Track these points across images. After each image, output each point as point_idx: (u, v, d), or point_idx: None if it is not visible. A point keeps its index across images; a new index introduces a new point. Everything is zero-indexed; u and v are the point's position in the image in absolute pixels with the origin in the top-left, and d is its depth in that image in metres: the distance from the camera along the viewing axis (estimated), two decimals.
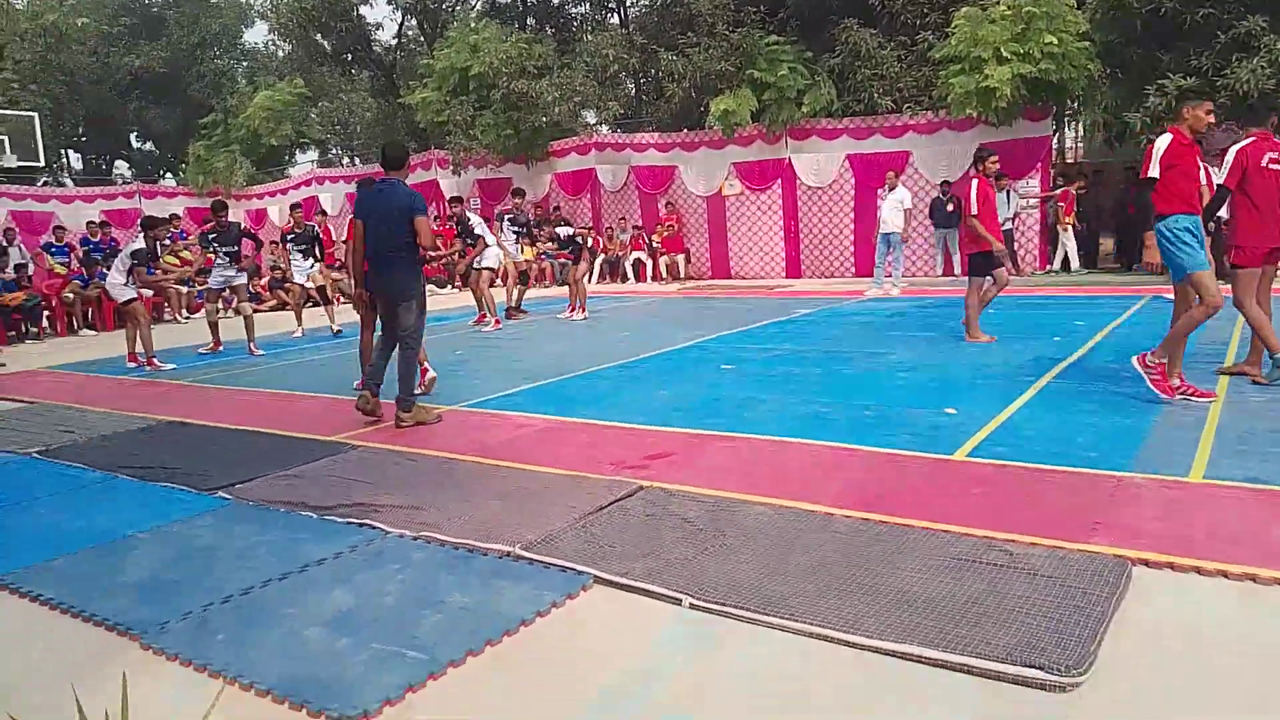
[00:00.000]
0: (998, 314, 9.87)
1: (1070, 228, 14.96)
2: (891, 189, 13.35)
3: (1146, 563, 3.12)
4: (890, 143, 16.11)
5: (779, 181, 17.27)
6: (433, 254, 14.02)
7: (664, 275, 18.10)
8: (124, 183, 27.00)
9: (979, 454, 4.55)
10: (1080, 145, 20.07)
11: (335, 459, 5.20)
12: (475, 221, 11.22)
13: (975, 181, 8.02)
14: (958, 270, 15.61)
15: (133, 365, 9.85)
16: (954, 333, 8.86)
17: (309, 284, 12.53)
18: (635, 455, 4.90)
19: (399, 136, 25.28)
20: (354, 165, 28.67)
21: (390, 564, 3.55)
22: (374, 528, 3.97)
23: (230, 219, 11.01)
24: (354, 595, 3.26)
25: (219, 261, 10.69)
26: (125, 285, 10.05)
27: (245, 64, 28.03)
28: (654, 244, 18.36)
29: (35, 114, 18.28)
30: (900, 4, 15.49)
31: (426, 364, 7.44)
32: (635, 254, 18.64)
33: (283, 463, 5.15)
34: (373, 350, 6.21)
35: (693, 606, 3.01)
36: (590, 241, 12.66)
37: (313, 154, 28.38)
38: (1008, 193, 14.83)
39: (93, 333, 14.44)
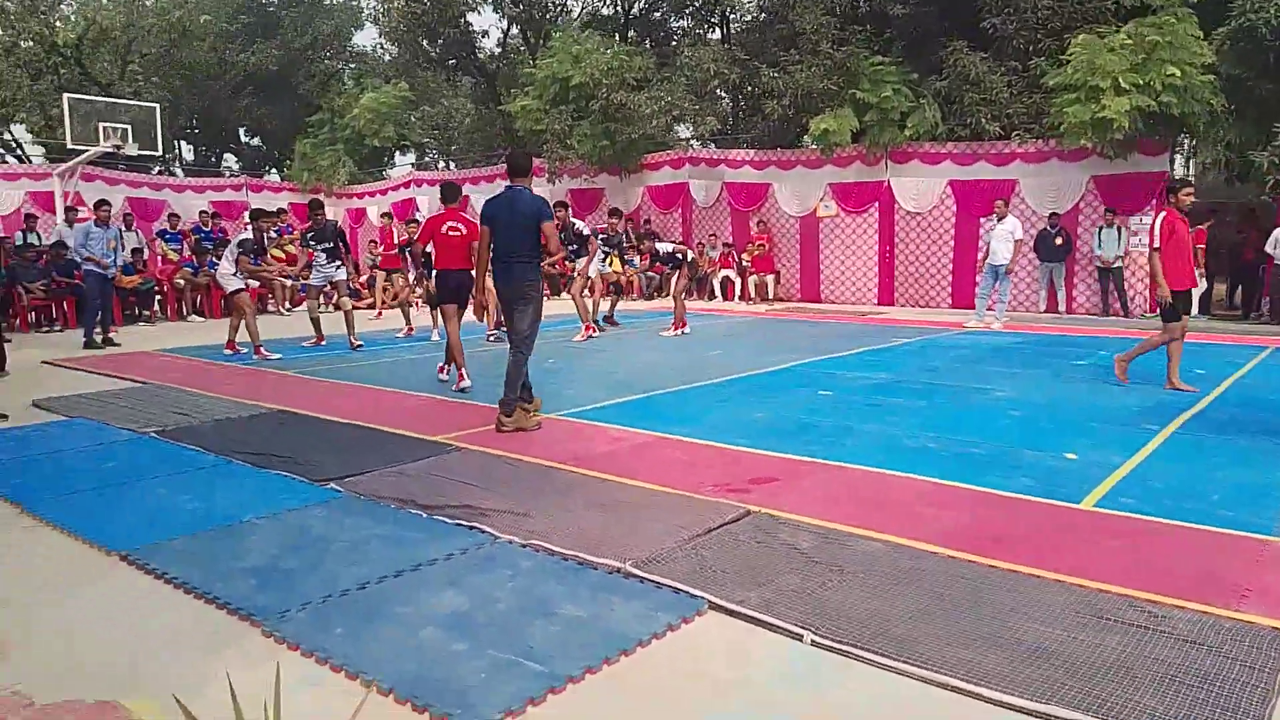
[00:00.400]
0: (1109, 357, 9.49)
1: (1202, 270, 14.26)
2: (1001, 218, 12.89)
3: None
4: (995, 170, 15.68)
5: (876, 205, 16.97)
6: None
7: (752, 295, 17.95)
8: (231, 175, 28.14)
9: (1106, 504, 4.33)
10: (1192, 181, 19.28)
11: (439, 459, 5.25)
12: (580, 226, 11.33)
13: (1161, 214, 7.28)
14: (1062, 307, 15.12)
15: (229, 353, 10.16)
16: (1061, 371, 8.55)
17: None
18: (737, 478, 4.83)
19: (497, 143, 25.79)
20: (449, 169, 29.39)
21: (501, 569, 3.54)
22: (482, 531, 3.98)
23: (327, 218, 11.28)
24: (467, 598, 3.26)
25: (318, 259, 10.99)
26: (233, 275, 10.41)
27: (353, 66, 28.90)
28: (744, 262, 18.24)
29: (157, 105, 19.12)
30: (1013, 29, 15.10)
31: (464, 370, 7.63)
32: (724, 272, 18.55)
33: (390, 459, 5.23)
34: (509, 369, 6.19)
35: (814, 643, 2.92)
36: (693, 257, 12.56)
37: (411, 156, 29.13)
38: (1118, 229, 14.32)
39: (201, 319, 15.02)
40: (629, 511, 4.21)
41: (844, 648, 2.85)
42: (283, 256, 16.65)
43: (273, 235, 18.41)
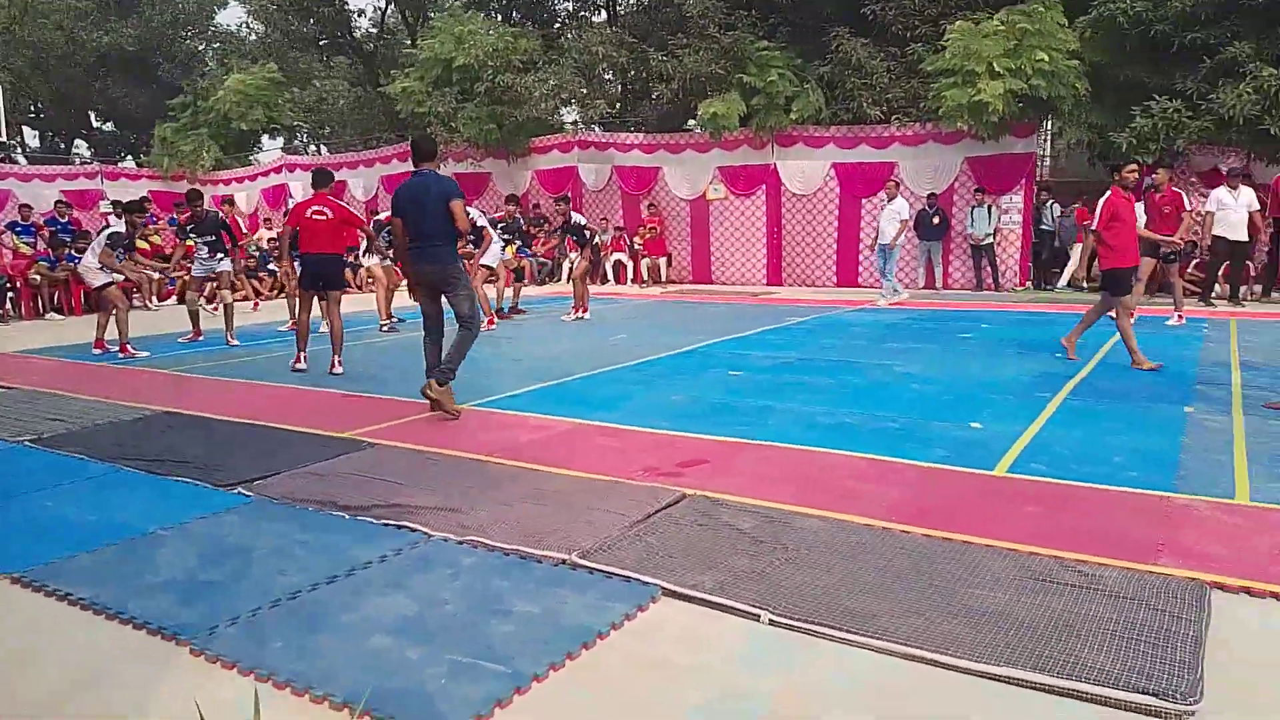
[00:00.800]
0: (991, 330, 9.97)
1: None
2: (891, 198, 13.33)
3: (1222, 586, 3.11)
4: (876, 153, 16.18)
5: (764, 187, 17.26)
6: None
7: (645, 278, 18.01)
8: (83, 163, 26.23)
9: (1019, 470, 4.53)
10: (1053, 161, 20.40)
11: (353, 456, 5.03)
12: (474, 215, 10.84)
13: (1106, 194, 7.39)
14: (939, 283, 15.76)
15: (99, 352, 9.51)
16: (951, 345, 8.91)
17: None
18: (666, 461, 4.81)
19: (376, 126, 24.92)
20: (319, 154, 28.19)
21: (441, 568, 3.41)
22: (414, 530, 3.82)
23: (207, 208, 10.67)
24: (412, 601, 3.12)
25: (200, 252, 10.39)
26: (98, 269, 9.73)
27: (217, 46, 27.35)
28: (635, 246, 18.26)
29: None
30: (891, 15, 15.58)
31: (339, 358, 7.85)
32: (616, 255, 18.53)
33: (299, 459, 4.97)
34: (426, 353, 6.23)
35: (772, 622, 2.92)
36: (598, 241, 12.45)
37: (281, 140, 27.83)
38: (989, 208, 15.01)
39: (60, 316, 13.95)
40: (564, 501, 4.13)
41: (803, 625, 2.87)
42: (147, 248, 15.65)
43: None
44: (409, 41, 22.15)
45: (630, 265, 18.33)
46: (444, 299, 6.13)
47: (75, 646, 2.92)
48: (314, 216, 7.76)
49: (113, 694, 2.61)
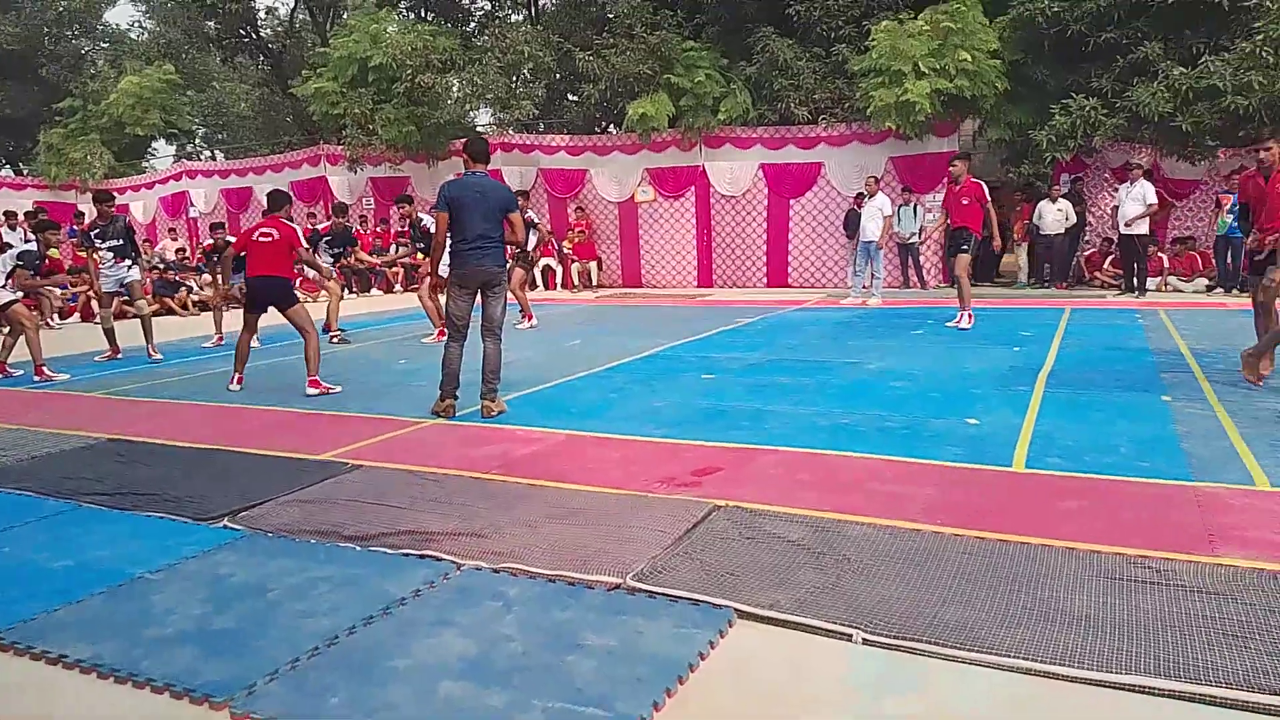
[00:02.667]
0: (938, 325, 10.07)
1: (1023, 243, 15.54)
2: (871, 195, 13.19)
3: None
4: (803, 153, 16.32)
5: (693, 189, 17.20)
6: (378, 259, 13.00)
7: (575, 282, 17.73)
8: None
9: (1037, 465, 4.50)
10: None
11: (340, 480, 4.65)
12: (428, 222, 10.25)
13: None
14: (867, 281, 15.98)
15: (1, 377, 8.73)
16: (910, 341, 8.98)
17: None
18: (679, 471, 4.61)
19: (284, 129, 23.92)
20: (215, 159, 26.85)
21: (486, 600, 3.13)
22: (440, 559, 3.52)
23: (113, 211, 9.92)
24: (469, 640, 2.84)
25: (105, 260, 9.63)
26: (3, 288, 8.92)
27: (106, 45, 25.73)
28: (564, 250, 17.95)
29: None
30: (816, 16, 15.73)
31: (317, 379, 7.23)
32: (545, 260, 18.16)
33: (280, 485, 4.56)
34: (450, 360, 6.16)
35: (865, 641, 2.76)
36: (541, 245, 12.18)
37: (173, 147, 26.42)
38: (915, 207, 15.30)
39: None
40: (592, 519, 3.89)
41: (904, 643, 2.72)
42: (45, 262, 14.52)
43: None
44: (318, 41, 21.28)
45: (560, 270, 18.03)
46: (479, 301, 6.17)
47: (89, 717, 2.54)
48: (260, 239, 7.43)
49: None
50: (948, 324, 9.63)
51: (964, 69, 13.61)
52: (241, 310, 7.79)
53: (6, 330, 9.30)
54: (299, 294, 7.96)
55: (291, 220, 7.96)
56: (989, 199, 9.74)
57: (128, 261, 9.73)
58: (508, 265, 6.25)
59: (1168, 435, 5.00)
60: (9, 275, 8.88)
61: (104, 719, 2.53)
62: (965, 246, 9.64)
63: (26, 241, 15.53)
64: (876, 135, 15.35)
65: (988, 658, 2.60)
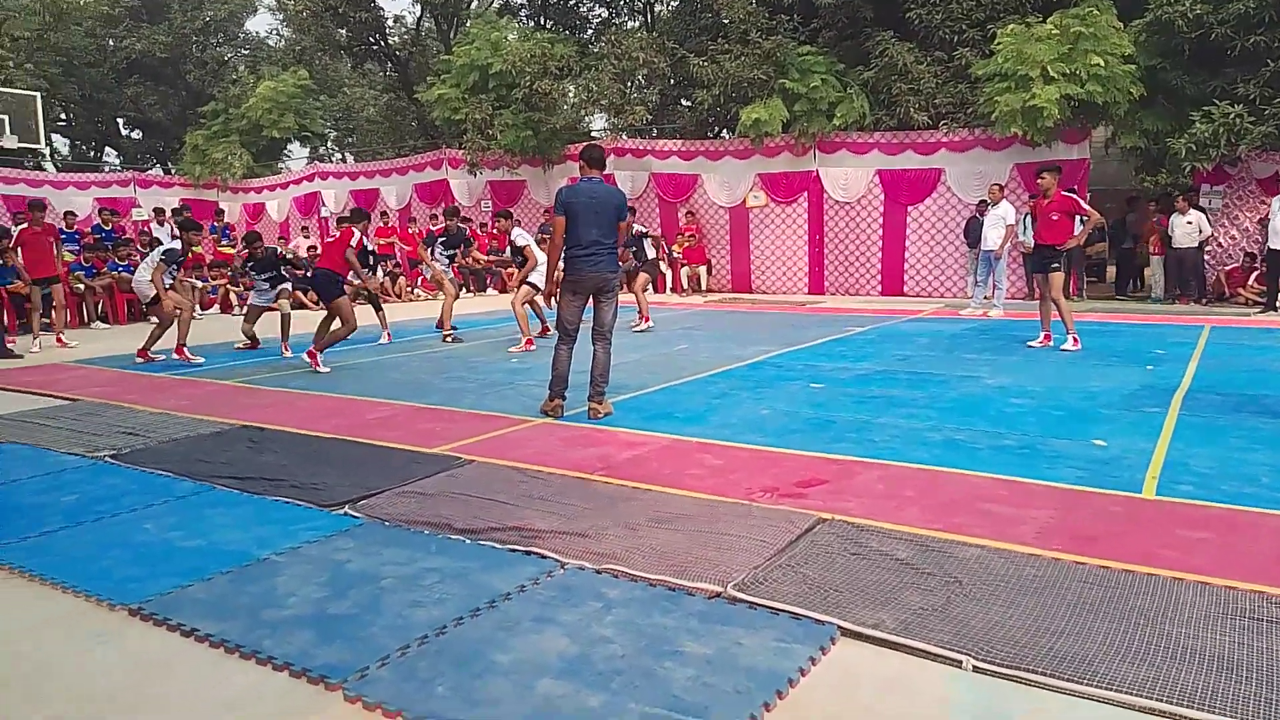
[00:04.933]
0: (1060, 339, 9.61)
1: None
2: (995, 204, 12.72)
3: None
4: (922, 159, 15.92)
5: (805, 195, 17.02)
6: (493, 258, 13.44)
7: (685, 287, 17.77)
8: (111, 170, 26.21)
9: (1168, 492, 4.25)
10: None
11: (453, 474, 4.79)
12: (518, 234, 10.52)
13: None
14: (988, 292, 15.41)
15: (141, 361, 9.40)
16: (1029, 356, 8.63)
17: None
18: (782, 481, 4.56)
19: (408, 133, 24.83)
20: (344, 161, 28.06)
21: (588, 601, 3.16)
22: (544, 556, 3.58)
23: (265, 246, 10.67)
24: (569, 639, 2.88)
25: (259, 285, 10.36)
26: (149, 282, 9.64)
27: (246, 52, 27.31)
28: (674, 254, 18.01)
29: (37, 94, 17.55)
30: (939, 20, 15.32)
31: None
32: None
33: (396, 476, 4.74)
34: (559, 361, 6.26)
35: (976, 669, 2.66)
36: (659, 250, 12.47)
37: (307, 150, 27.77)
38: (1025, 216, 14.64)
39: (105, 325, 13.79)
40: (693, 525, 3.88)
41: (1015, 673, 2.61)
42: (188, 258, 15.50)
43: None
44: (442, 49, 22.01)
45: (669, 274, 18.09)
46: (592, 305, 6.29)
47: (213, 689, 2.69)
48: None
49: None
50: (1061, 348, 8.89)
51: (1095, 74, 13.02)
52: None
53: (155, 321, 9.99)
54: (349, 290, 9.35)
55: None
56: (1086, 207, 9.13)
57: (281, 285, 10.35)
58: (622, 270, 6.25)
59: None
60: (154, 271, 9.55)
61: (228, 691, 2.67)
62: (1056, 265, 9.00)
63: (174, 238, 16.70)
64: (1001, 141, 14.84)
65: (1106, 693, 2.47)
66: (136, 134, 31.19)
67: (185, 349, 9.37)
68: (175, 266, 9.96)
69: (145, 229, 17.09)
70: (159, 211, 17.53)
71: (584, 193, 6.09)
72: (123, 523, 4.16)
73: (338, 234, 9.02)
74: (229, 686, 2.71)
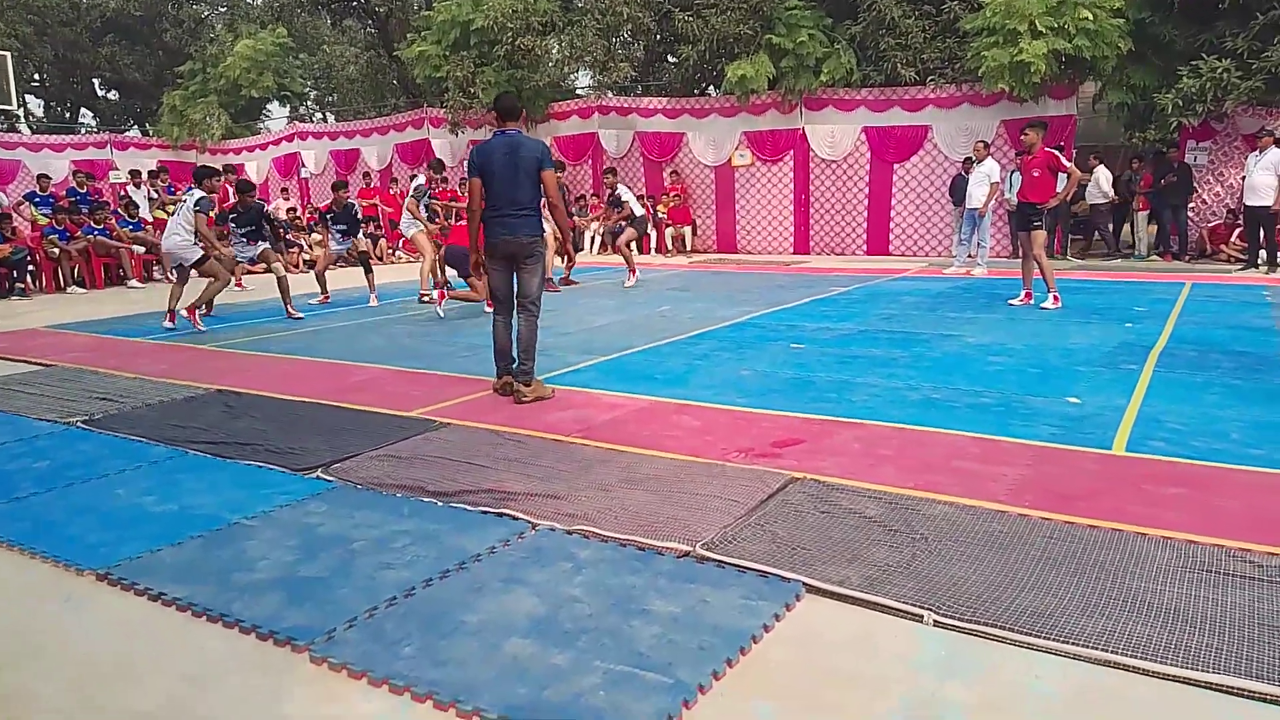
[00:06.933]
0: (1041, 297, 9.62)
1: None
2: (979, 161, 12.53)
3: None
4: (909, 116, 15.78)
5: (791, 153, 16.88)
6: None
7: (669, 247, 17.68)
8: (88, 132, 25.76)
9: (1138, 448, 4.28)
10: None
11: (428, 437, 4.79)
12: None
13: None
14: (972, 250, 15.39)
15: (170, 325, 9.06)
16: (1011, 314, 8.64)
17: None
18: (758, 441, 4.57)
19: (389, 92, 24.46)
20: (325, 121, 27.59)
21: (558, 561, 3.18)
22: (516, 518, 3.59)
23: (253, 200, 10.41)
24: (538, 599, 2.89)
25: (236, 241, 10.12)
26: (194, 244, 9.01)
27: (223, 10, 26.75)
28: (659, 214, 17.88)
29: (8, 54, 17.19)
30: None
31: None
32: None
33: (371, 439, 4.73)
34: (496, 335, 5.77)
35: (936, 623, 2.69)
36: (641, 212, 12.79)
37: (287, 108, 27.33)
38: (1012, 173, 14.58)
39: (82, 290, 13.64)
40: (666, 486, 3.89)
41: (975, 626, 2.64)
42: (165, 218, 15.33)
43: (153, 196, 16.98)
44: (423, 4, 21.59)
45: (654, 234, 17.97)
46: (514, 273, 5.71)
47: (180, 654, 2.70)
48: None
49: (232, 710, 2.39)
50: (1042, 306, 8.92)
51: (1084, 28, 12.88)
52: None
53: (175, 279, 9.58)
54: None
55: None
56: (1068, 165, 9.07)
57: (259, 241, 10.18)
58: (544, 234, 5.70)
59: None
60: (197, 223, 8.91)
61: (193, 655, 2.68)
62: (1038, 222, 8.92)
63: (150, 199, 16.44)
64: (988, 97, 14.71)
65: (1063, 646, 2.50)
66: (113, 95, 30.62)
67: (196, 313, 9.10)
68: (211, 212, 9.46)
69: (123, 192, 16.86)
70: (134, 174, 17.28)
71: (499, 148, 5.44)
72: (94, 488, 4.15)
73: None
74: (197, 650, 2.72)
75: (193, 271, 9.23)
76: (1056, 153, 9.19)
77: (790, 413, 5.11)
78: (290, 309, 9.77)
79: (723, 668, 2.48)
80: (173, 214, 9.75)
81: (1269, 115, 13.09)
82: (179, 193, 15.39)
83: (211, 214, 9.27)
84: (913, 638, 2.65)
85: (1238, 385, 5.51)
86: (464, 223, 8.83)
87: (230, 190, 11.58)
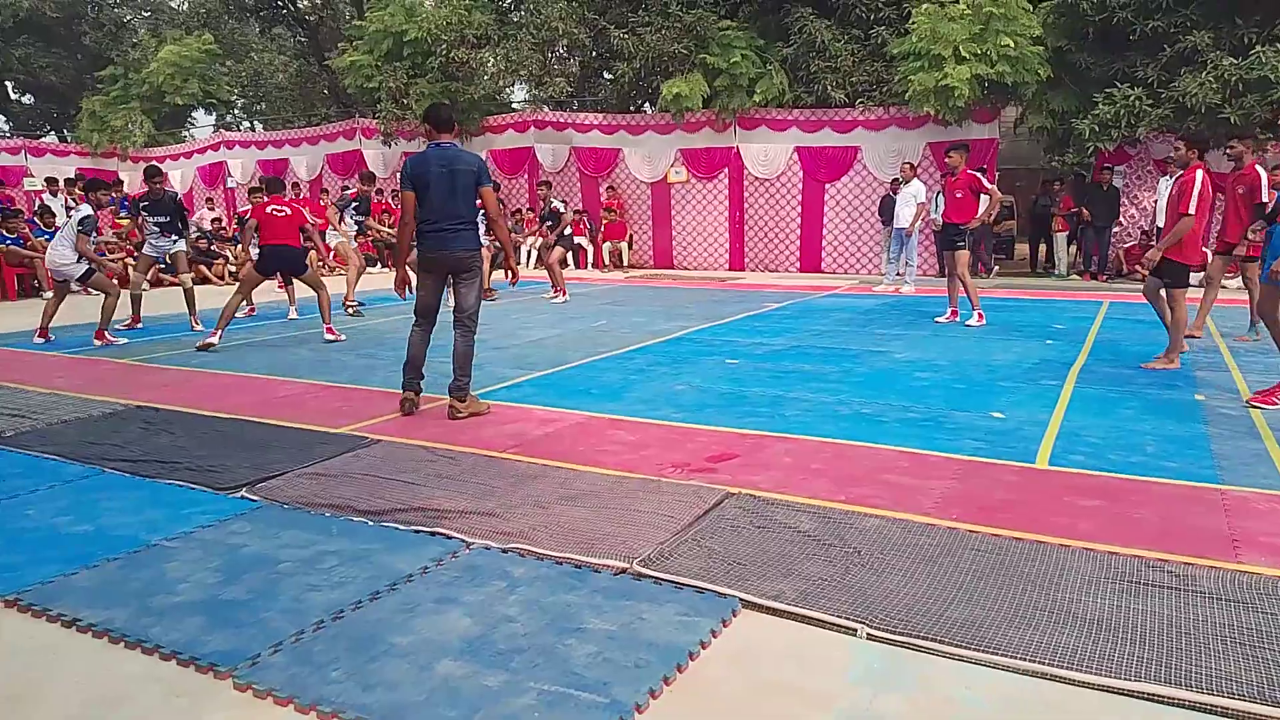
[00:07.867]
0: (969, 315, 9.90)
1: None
2: (907, 181, 12.88)
3: None
4: (839, 137, 16.12)
5: (726, 171, 17.08)
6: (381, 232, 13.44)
7: (605, 262, 17.70)
8: (3, 138, 24.71)
9: (1060, 462, 4.42)
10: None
11: (357, 454, 4.68)
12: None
13: (1200, 173, 6.50)
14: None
15: (41, 341, 8.81)
16: (938, 331, 8.86)
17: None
18: (694, 456, 4.59)
19: (319, 101, 24.04)
20: (253, 130, 26.99)
21: (493, 580, 3.13)
22: (450, 537, 3.53)
23: (165, 187, 10.06)
24: (471, 620, 2.84)
25: (150, 231, 9.76)
26: (76, 262, 8.75)
27: (147, 14, 25.98)
28: (595, 230, 17.88)
29: None
30: None
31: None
32: (577, 239, 18.11)
33: (298, 457, 4.61)
34: (411, 345, 5.62)
35: (870, 637, 2.73)
36: (571, 226, 12.79)
37: (213, 116, 26.62)
38: (938, 194, 15.02)
39: None
40: (603, 502, 3.88)
41: (907, 639, 2.68)
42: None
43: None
44: (354, 13, 21.31)
45: (590, 249, 17.98)
46: (450, 288, 5.68)
47: (94, 680, 2.57)
48: (275, 214, 8.61)
49: None
50: (966, 324, 9.15)
51: (1005, 54, 13.34)
52: (258, 278, 8.91)
53: (50, 295, 9.35)
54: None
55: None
56: (989, 186, 9.40)
57: (174, 236, 9.85)
58: (480, 248, 5.62)
59: (1198, 435, 4.89)
60: (79, 242, 8.73)
61: (109, 682, 2.56)
62: (961, 242, 9.16)
63: (68, 208, 15.81)
64: (915, 120, 15.12)
65: (993, 658, 2.56)
66: (28, 98, 29.43)
67: (106, 332, 8.76)
68: (93, 235, 9.19)
69: (38, 199, 16.19)
70: (51, 181, 16.62)
71: (434, 161, 5.31)
72: (3, 509, 3.95)
73: (285, 210, 8.77)
74: (113, 677, 2.60)
75: (75, 285, 9.17)
76: (979, 175, 9.49)
77: (725, 427, 5.15)
78: (194, 320, 9.51)
79: (660, 685, 2.46)
80: (61, 227, 9.54)
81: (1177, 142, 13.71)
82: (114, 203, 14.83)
83: (94, 235, 9.22)
84: (847, 651, 2.67)
85: (1152, 399, 5.74)
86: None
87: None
